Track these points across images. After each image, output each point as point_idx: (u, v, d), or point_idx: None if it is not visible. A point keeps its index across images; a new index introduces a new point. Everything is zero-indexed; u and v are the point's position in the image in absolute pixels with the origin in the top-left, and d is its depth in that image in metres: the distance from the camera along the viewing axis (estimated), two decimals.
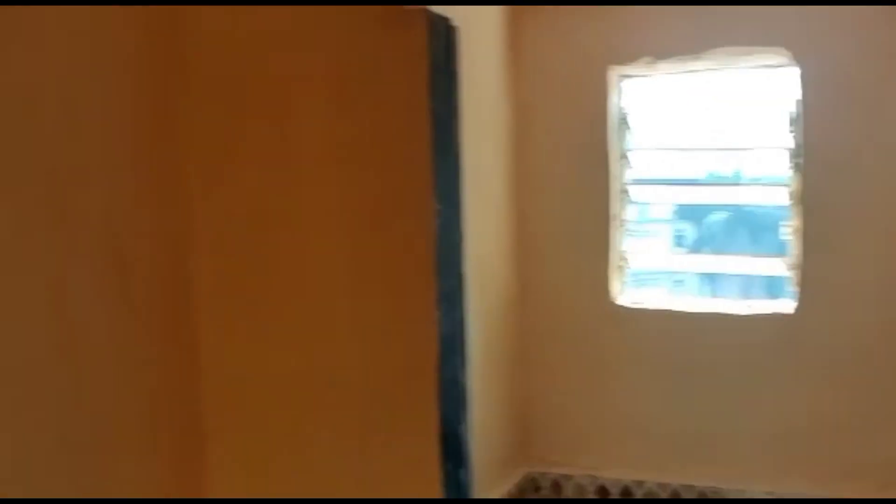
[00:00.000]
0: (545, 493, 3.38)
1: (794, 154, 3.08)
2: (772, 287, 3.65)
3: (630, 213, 3.45)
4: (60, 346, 1.41)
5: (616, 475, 3.31)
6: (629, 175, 3.41)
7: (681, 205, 5.04)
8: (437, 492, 1.58)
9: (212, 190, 1.69)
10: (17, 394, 1.34)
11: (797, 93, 3.04)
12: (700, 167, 4.08)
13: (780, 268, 3.21)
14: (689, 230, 5.56)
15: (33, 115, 1.39)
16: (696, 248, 5.41)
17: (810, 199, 3.04)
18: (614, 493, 3.31)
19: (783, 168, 3.15)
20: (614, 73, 3.32)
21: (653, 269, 4.03)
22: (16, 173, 1.35)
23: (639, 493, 3.29)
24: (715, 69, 3.24)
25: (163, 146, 1.65)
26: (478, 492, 2.32)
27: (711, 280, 4.47)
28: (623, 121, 3.38)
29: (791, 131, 3.09)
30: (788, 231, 3.15)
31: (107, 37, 1.54)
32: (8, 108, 1.34)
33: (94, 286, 1.49)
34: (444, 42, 1.67)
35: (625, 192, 3.40)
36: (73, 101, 1.46)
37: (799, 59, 3.01)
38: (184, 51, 1.67)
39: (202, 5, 1.66)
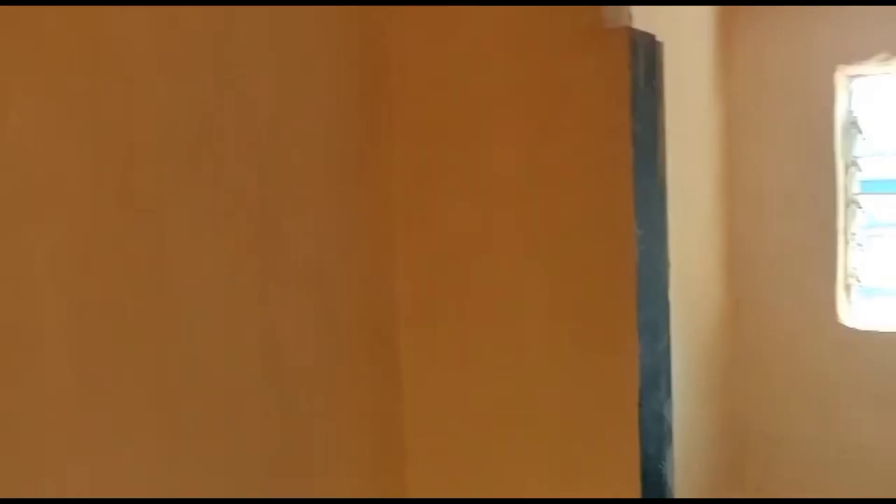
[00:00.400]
0: None
1: None
2: None
3: (859, 224, 3.16)
4: (269, 370, 1.48)
5: None
6: (858, 183, 3.13)
7: None
8: None
9: (413, 215, 1.72)
10: (230, 415, 1.41)
11: None
12: None
13: None
14: None
15: (247, 148, 1.47)
16: None
17: None
18: None
19: None
20: (843, 73, 3.06)
21: (887, 287, 3.67)
22: (231, 203, 1.43)
23: None
24: None
25: (367, 173, 1.69)
26: None
27: None
28: (852, 125, 3.11)
29: None
30: None
31: (315, 67, 1.59)
32: (220, 145, 1.42)
33: (301, 312, 1.55)
34: (646, 60, 1.59)
35: (853, 202, 3.12)
36: (282, 131, 1.53)
37: None
38: (388, 76, 1.71)
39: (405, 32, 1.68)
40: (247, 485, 1.43)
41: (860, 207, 3.13)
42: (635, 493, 1.51)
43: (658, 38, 1.65)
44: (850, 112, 3.11)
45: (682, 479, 1.91)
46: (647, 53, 1.61)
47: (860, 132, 3.11)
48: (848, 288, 3.11)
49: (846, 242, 3.10)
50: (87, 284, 1.23)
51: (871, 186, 3.18)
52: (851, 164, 3.11)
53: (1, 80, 1.11)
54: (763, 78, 3.15)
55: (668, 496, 1.58)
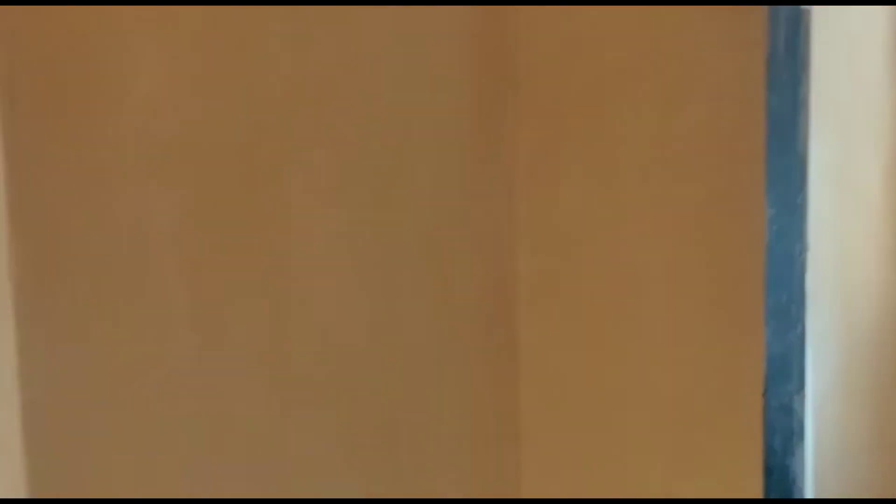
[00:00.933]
0: None
1: None
2: None
3: None
4: (383, 344, 1.50)
5: None
6: None
7: None
8: None
9: (536, 191, 1.69)
10: (342, 388, 1.45)
11: None
12: None
13: None
14: None
15: (368, 121, 1.49)
16: None
17: None
18: None
19: None
20: None
21: None
22: (347, 175, 1.46)
23: None
24: None
25: (488, 147, 1.68)
26: None
27: None
28: None
29: None
30: None
31: (438, 36, 1.59)
32: (342, 114, 1.45)
33: (416, 287, 1.56)
34: (788, 26, 1.48)
35: None
36: (402, 105, 1.54)
37: None
38: (514, 47, 1.68)
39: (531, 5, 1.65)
40: (354, 452, 1.46)
41: None
42: (757, 487, 1.42)
43: (801, 6, 1.53)
44: None
45: (825, 482, 1.78)
46: (789, 19, 1.50)
47: None
48: None
49: None
50: (209, 243, 1.29)
51: None
52: None
53: (132, 47, 1.18)
54: None
55: (798, 495, 1.47)
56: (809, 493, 1.52)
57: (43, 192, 1.03)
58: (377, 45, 1.50)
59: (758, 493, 1.43)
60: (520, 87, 1.67)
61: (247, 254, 1.34)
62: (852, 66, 2.51)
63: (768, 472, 1.43)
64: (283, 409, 1.38)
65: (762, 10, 1.45)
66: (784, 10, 1.49)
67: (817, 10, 1.62)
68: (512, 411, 1.69)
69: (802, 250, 1.51)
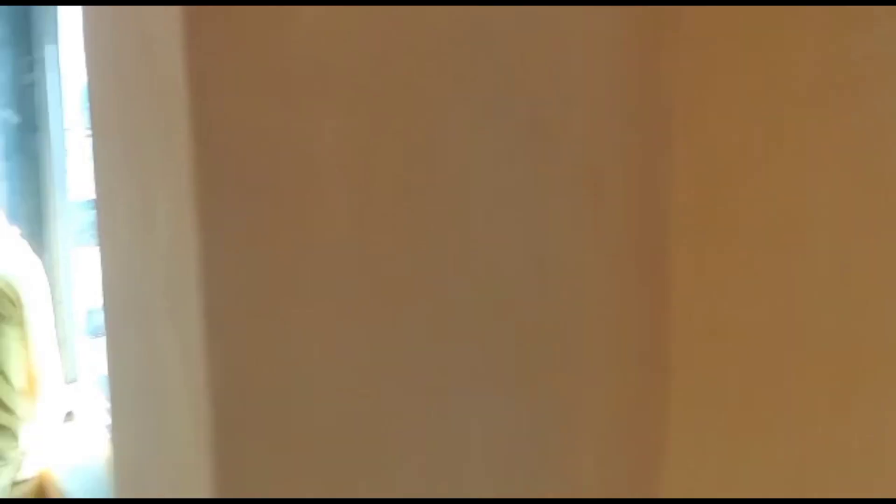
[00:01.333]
0: None
1: None
2: None
3: None
4: (533, 270, 1.51)
5: None
6: None
7: None
8: None
9: (694, 122, 1.63)
10: (490, 311, 1.46)
11: None
12: None
13: None
14: None
15: (521, 50, 1.48)
16: None
17: None
18: None
19: None
20: None
21: None
22: (503, 103, 1.46)
23: None
24: None
25: (645, 74, 1.63)
26: None
27: None
28: None
29: None
30: None
31: None
32: (500, 50, 1.44)
33: (568, 215, 1.55)
34: None
35: None
36: (560, 33, 1.51)
37: None
38: None
39: None
40: (503, 374, 1.49)
41: None
42: None
43: None
44: None
45: None
46: None
47: None
48: None
49: None
50: (369, 163, 1.35)
51: None
52: None
53: None
54: None
55: None
56: None
57: (223, 107, 1.08)
58: None
59: None
60: (681, 14, 1.60)
61: (404, 173, 1.37)
62: None
63: None
64: (439, 318, 1.42)
65: None
66: None
67: None
68: (662, 343, 1.67)
69: None
